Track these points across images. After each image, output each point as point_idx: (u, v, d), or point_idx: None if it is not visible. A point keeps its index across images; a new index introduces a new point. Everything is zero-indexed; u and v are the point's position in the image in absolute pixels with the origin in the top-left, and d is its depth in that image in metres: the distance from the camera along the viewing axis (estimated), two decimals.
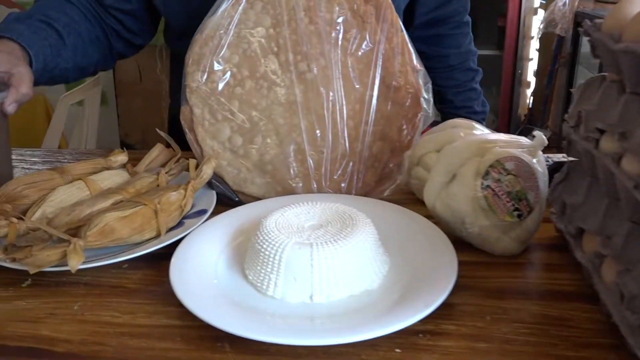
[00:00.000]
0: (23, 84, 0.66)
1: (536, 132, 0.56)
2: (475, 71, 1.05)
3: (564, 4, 2.21)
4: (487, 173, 0.53)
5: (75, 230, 0.56)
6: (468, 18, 1.02)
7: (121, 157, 0.73)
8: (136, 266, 0.56)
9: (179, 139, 1.04)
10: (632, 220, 0.42)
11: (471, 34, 1.04)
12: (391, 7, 0.66)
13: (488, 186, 0.53)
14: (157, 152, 0.74)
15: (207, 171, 0.65)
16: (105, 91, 2.68)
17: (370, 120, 0.66)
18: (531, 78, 2.91)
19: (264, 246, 0.50)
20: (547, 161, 0.66)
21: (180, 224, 0.61)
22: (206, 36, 0.67)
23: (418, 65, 0.66)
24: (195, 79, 0.67)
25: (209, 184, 0.67)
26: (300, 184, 0.66)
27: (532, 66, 2.89)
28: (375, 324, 0.43)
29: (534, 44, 2.84)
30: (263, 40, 0.67)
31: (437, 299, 0.45)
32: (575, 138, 0.50)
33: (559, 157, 0.70)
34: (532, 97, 2.90)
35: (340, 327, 0.45)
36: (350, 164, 0.66)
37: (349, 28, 0.66)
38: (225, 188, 0.67)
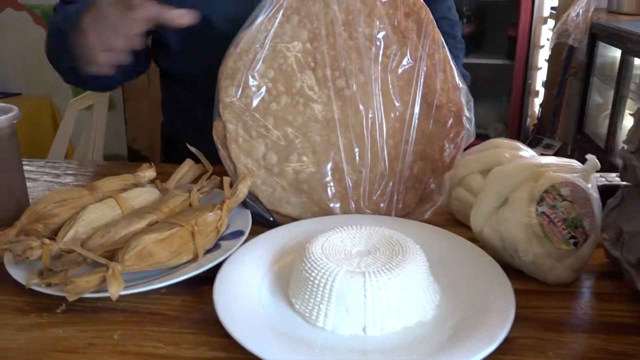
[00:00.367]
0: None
1: (589, 156, 0.54)
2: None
3: (577, 15, 2.19)
4: (541, 199, 0.51)
5: (111, 252, 0.54)
6: None
7: (149, 173, 0.71)
8: (174, 291, 0.54)
9: (175, 155, 1.02)
10: None
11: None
12: (433, 22, 0.64)
13: (543, 212, 0.51)
14: (186, 168, 0.72)
15: (242, 190, 0.63)
16: (113, 96, 2.66)
17: (411, 139, 0.64)
18: (539, 87, 2.90)
19: (313, 274, 0.48)
20: None
21: (217, 245, 0.59)
22: (241, 50, 0.65)
23: (460, 83, 0.64)
24: (229, 94, 0.65)
25: (243, 203, 0.65)
26: (338, 205, 0.64)
27: (541, 76, 2.88)
28: None
29: (543, 54, 2.83)
30: (300, 55, 0.65)
31: (500, 334, 0.43)
32: (637, 164, 0.48)
33: (602, 180, 0.68)
34: (540, 107, 2.89)
35: None
36: (390, 184, 0.64)
37: (390, 44, 0.64)
38: (260, 207, 0.65)
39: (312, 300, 0.47)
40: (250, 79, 0.65)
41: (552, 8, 2.75)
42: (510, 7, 2.69)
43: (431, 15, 0.64)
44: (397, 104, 0.64)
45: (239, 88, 0.65)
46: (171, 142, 1.05)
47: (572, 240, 0.51)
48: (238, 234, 0.61)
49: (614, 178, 0.67)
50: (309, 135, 0.65)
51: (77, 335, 0.48)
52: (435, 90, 0.64)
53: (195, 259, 0.56)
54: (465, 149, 0.65)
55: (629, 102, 1.96)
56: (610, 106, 2.01)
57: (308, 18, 0.65)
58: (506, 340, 0.45)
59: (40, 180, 0.83)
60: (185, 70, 0.90)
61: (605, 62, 2.16)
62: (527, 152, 0.61)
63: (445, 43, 0.65)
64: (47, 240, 0.55)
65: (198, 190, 0.66)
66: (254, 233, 0.61)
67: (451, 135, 0.64)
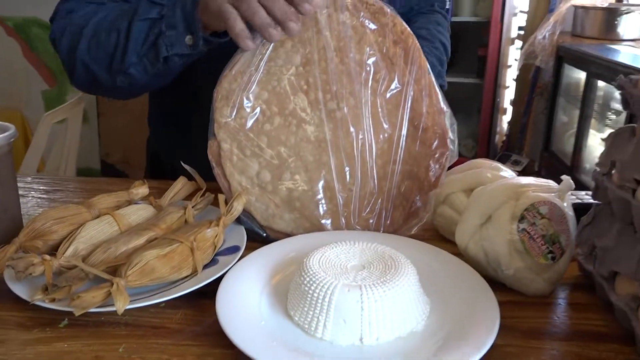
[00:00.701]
0: None
1: (564, 177, 0.59)
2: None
3: (544, 37, 2.30)
4: (522, 217, 0.55)
5: (113, 268, 0.56)
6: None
7: (142, 190, 0.73)
8: (175, 305, 0.56)
9: (160, 170, 1.03)
10: None
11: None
12: (419, 50, 0.68)
13: (524, 229, 0.55)
14: (180, 186, 0.74)
15: (237, 207, 0.65)
16: (87, 109, 2.64)
17: (398, 160, 0.67)
18: (508, 105, 3.01)
19: (312, 288, 0.50)
20: None
21: (214, 261, 0.61)
22: (236, 72, 0.68)
23: (444, 107, 0.68)
24: (223, 114, 0.68)
25: (238, 220, 0.67)
26: (329, 221, 0.67)
27: (509, 94, 2.99)
28: None
29: (511, 73, 2.94)
30: (293, 78, 0.68)
31: (487, 342, 0.47)
32: (608, 185, 0.53)
33: (573, 198, 0.73)
34: (508, 125, 3.00)
35: None
36: (379, 201, 0.67)
37: (379, 69, 0.68)
38: (254, 224, 0.67)
39: (311, 312, 0.50)
40: (245, 100, 0.68)
41: (519, 28, 2.86)
42: (481, 28, 2.79)
43: (418, 44, 0.68)
44: (385, 126, 0.68)
45: (234, 109, 0.68)
46: (157, 157, 1.06)
47: (550, 255, 0.56)
48: (234, 249, 0.63)
49: (584, 196, 0.72)
50: (302, 155, 0.68)
51: (82, 349, 0.49)
52: (421, 113, 0.68)
53: (194, 273, 0.58)
54: (449, 169, 0.69)
55: (593, 121, 2.06)
56: (575, 125, 2.10)
57: (301, 43, 0.68)
58: (492, 348, 0.48)
59: (29, 196, 0.84)
60: (188, 86, 0.88)
61: (571, 82, 2.27)
62: (507, 173, 0.65)
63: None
64: (47, 257, 0.56)
65: (193, 207, 0.68)
66: (248, 249, 0.63)
67: (436, 155, 0.68)
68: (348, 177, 0.67)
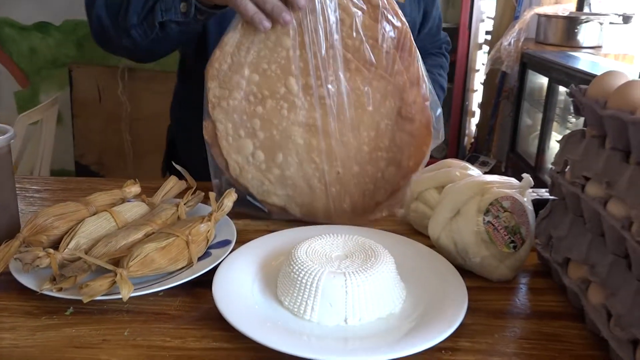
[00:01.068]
0: None
1: (524, 175, 0.66)
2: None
3: (509, 44, 2.40)
4: (487, 210, 0.62)
5: (114, 260, 0.60)
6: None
7: (135, 189, 0.77)
8: (172, 294, 0.60)
9: (175, 156, 1.06)
10: (614, 253, 0.52)
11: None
12: (410, 37, 0.72)
13: (489, 222, 0.62)
14: (171, 184, 0.78)
15: (227, 204, 0.70)
16: (61, 111, 2.63)
17: (384, 147, 0.73)
18: (476, 108, 3.12)
19: (300, 275, 0.56)
20: None
21: (207, 253, 0.66)
22: (225, 52, 0.71)
23: (430, 97, 0.73)
24: (216, 95, 0.72)
25: (243, 200, 0.72)
26: (319, 199, 0.73)
27: (477, 97, 3.10)
28: (406, 343, 0.50)
29: (479, 77, 3.05)
30: (283, 61, 0.71)
31: (457, 320, 0.53)
32: (562, 182, 0.60)
33: (534, 195, 0.80)
34: (476, 127, 3.10)
35: (374, 346, 0.52)
36: (364, 183, 0.73)
37: (369, 56, 0.71)
38: (257, 202, 0.73)
39: (299, 297, 0.55)
40: (236, 82, 0.71)
41: (486, 32, 2.97)
42: (450, 34, 2.88)
43: (409, 31, 0.72)
44: (373, 113, 0.73)
45: (226, 90, 0.72)
46: (174, 145, 1.10)
47: (512, 244, 0.62)
48: (225, 242, 0.68)
49: (543, 193, 0.80)
50: (293, 139, 0.72)
51: (90, 333, 0.54)
52: (408, 102, 0.73)
53: (189, 265, 0.63)
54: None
55: (555, 124, 2.17)
56: (539, 128, 2.21)
57: (292, 26, 0.70)
58: (461, 326, 0.54)
59: (20, 195, 0.87)
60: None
61: (534, 87, 2.38)
62: (474, 171, 0.72)
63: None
64: (51, 250, 0.60)
65: (185, 204, 0.73)
66: (238, 242, 0.68)
67: (420, 144, 0.74)
68: (336, 161, 0.72)
